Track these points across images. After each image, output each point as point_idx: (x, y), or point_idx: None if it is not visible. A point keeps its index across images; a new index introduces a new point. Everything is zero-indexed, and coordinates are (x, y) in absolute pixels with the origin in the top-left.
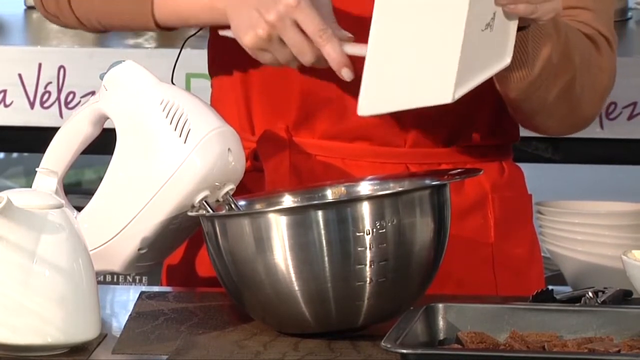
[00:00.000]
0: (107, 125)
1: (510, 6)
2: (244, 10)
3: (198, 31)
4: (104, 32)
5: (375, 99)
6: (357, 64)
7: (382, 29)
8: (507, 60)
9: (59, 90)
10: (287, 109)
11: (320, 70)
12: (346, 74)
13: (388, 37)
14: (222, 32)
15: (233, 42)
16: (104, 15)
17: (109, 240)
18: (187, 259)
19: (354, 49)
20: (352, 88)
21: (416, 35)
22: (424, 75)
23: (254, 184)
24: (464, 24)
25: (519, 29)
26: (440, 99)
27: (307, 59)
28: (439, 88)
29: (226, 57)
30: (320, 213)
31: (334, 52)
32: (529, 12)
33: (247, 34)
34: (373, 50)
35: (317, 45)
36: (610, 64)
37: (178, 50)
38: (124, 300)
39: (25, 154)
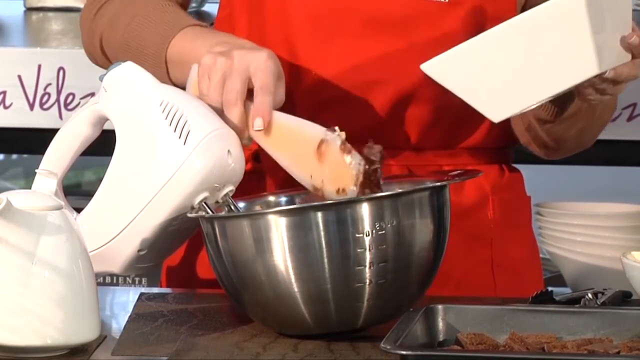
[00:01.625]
0: (106, 126)
1: (590, 92)
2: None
3: None
4: None
5: (444, 67)
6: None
7: (512, 30)
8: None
9: (59, 92)
10: (290, 110)
11: (323, 71)
12: (257, 123)
13: (509, 38)
14: None
15: None
16: None
17: (108, 242)
18: (187, 261)
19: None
20: (355, 90)
21: (527, 57)
22: (499, 86)
23: (254, 186)
24: (567, 86)
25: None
26: (488, 114)
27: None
28: (496, 106)
29: None
30: (319, 214)
31: (263, 104)
32: (594, 99)
33: (210, 53)
34: (487, 36)
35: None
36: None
37: None
38: (124, 301)
39: (25, 156)
